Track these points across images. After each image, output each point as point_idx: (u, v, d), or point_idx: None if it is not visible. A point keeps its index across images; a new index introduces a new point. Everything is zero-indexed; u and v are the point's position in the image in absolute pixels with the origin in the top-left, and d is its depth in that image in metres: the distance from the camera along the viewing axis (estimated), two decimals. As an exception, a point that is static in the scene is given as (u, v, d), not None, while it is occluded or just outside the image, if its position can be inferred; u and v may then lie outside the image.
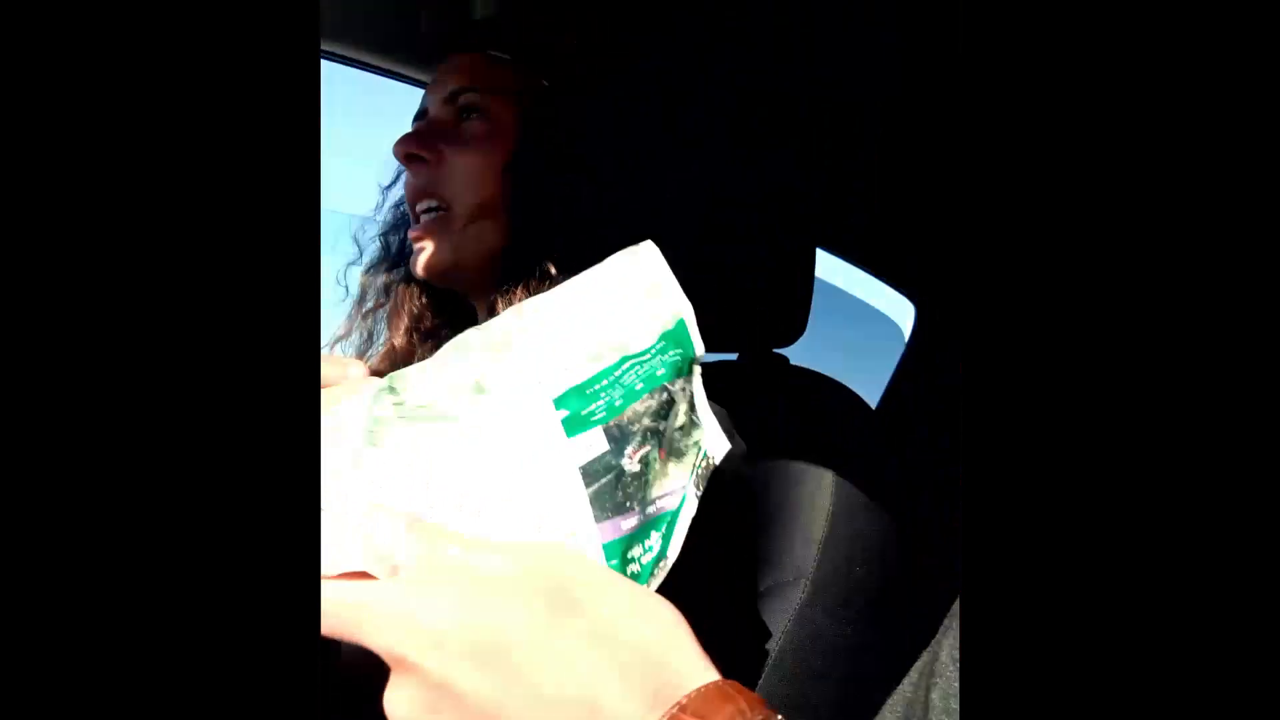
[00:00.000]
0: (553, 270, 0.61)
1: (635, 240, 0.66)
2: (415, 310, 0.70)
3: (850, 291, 1.39)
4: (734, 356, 0.75)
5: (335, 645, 0.43)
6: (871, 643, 0.61)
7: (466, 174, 0.62)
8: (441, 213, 0.63)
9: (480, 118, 0.63)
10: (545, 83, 0.63)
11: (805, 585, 0.59)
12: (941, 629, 0.46)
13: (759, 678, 0.56)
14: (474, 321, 0.66)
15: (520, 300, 0.60)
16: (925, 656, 0.46)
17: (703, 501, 0.50)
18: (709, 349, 0.74)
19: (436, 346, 0.68)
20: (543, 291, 0.59)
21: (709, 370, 0.77)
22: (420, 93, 0.68)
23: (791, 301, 0.71)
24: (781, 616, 0.58)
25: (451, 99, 0.64)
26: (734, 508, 0.59)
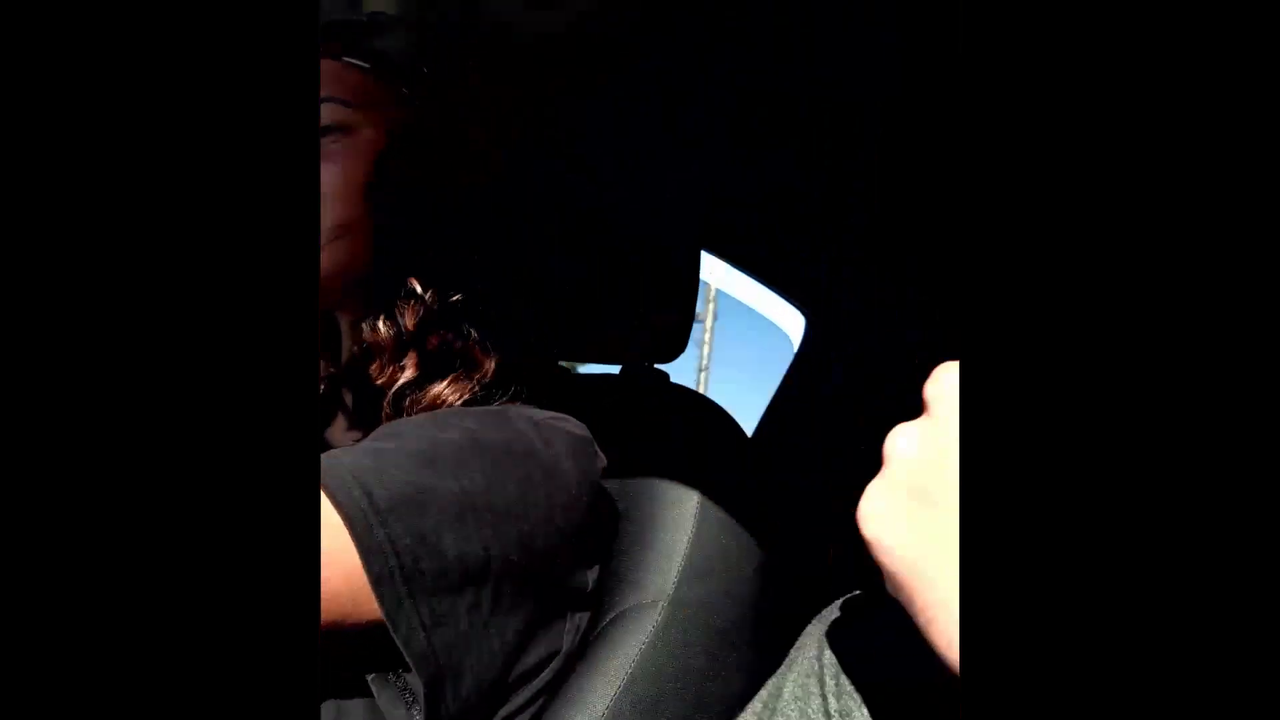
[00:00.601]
0: (418, 289, 0.60)
1: (503, 254, 0.65)
2: None
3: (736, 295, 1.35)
4: (615, 369, 0.74)
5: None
6: (726, 669, 0.60)
7: (325, 193, 0.58)
8: None
9: (340, 133, 0.59)
10: (406, 92, 0.62)
11: (663, 607, 0.59)
12: (785, 662, 0.45)
13: (610, 699, 0.56)
14: (337, 336, 0.66)
15: (382, 320, 0.60)
16: (768, 688, 0.45)
17: (562, 516, 0.49)
18: (587, 359, 0.74)
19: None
20: (408, 310, 0.59)
21: (585, 381, 0.76)
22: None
23: (673, 315, 0.69)
24: (638, 638, 0.58)
25: None
26: (599, 524, 0.58)
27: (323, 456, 0.46)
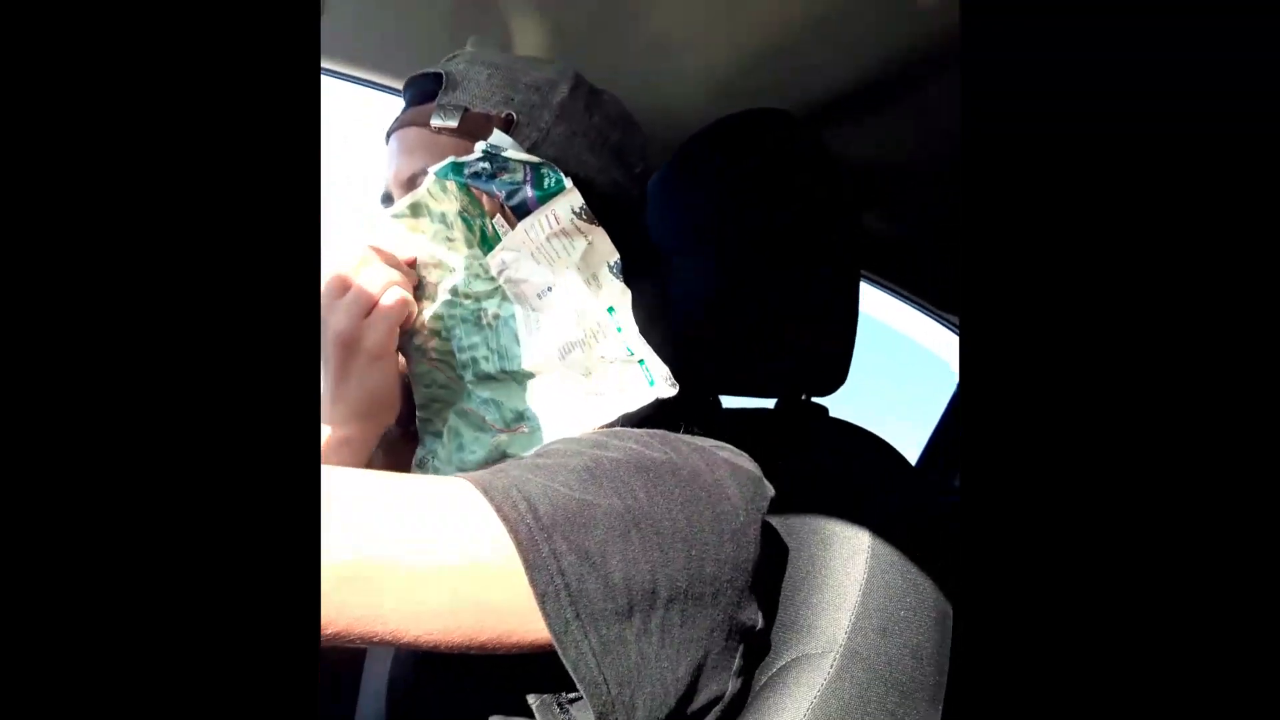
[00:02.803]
0: None
1: (648, 282, 0.63)
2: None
3: (894, 326, 1.27)
4: (770, 403, 0.70)
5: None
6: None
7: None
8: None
9: None
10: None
11: (836, 658, 0.54)
12: None
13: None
14: None
15: None
16: None
17: (731, 543, 0.47)
18: (740, 393, 0.70)
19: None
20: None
21: (739, 416, 0.73)
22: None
23: (831, 344, 0.65)
24: (809, 690, 0.54)
25: (411, 182, 0.60)
26: (766, 558, 0.55)
27: (484, 472, 0.45)
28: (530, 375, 0.56)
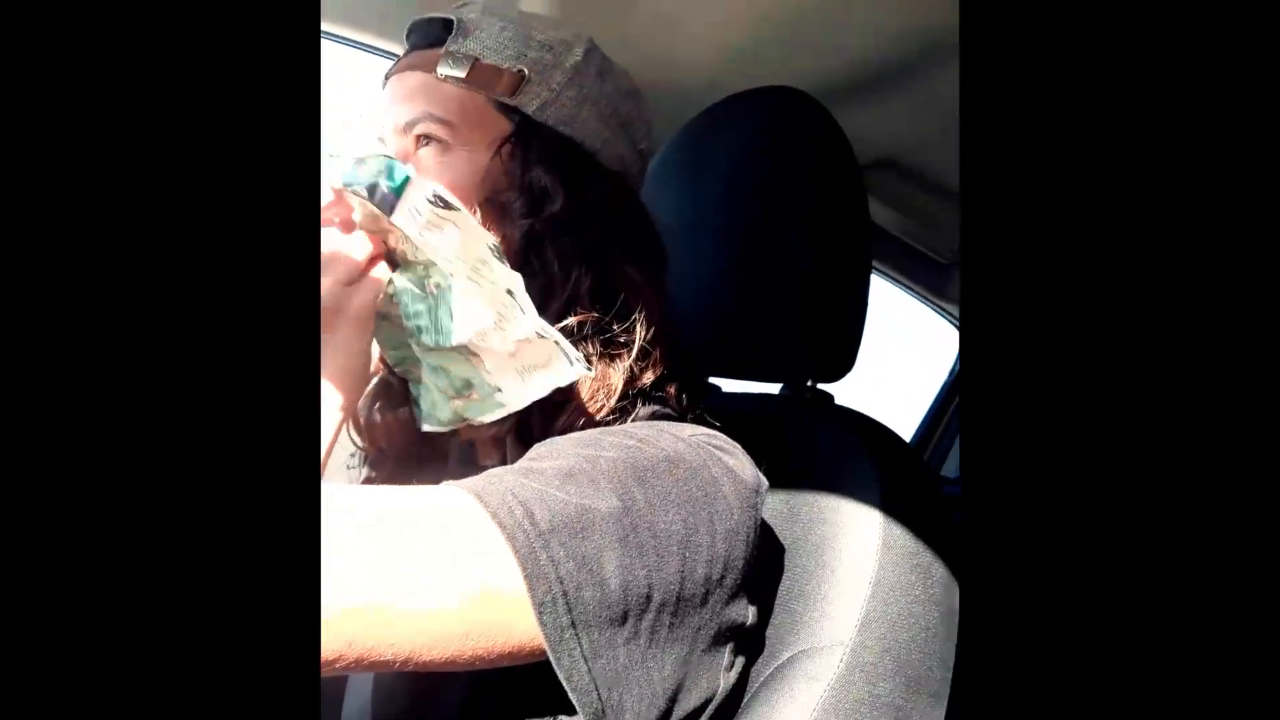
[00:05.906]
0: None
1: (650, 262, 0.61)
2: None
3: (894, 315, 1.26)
4: (776, 388, 0.69)
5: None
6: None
7: None
8: None
9: (441, 155, 0.56)
10: (508, 100, 0.56)
11: (845, 654, 0.53)
12: None
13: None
14: None
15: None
16: None
17: (724, 543, 0.46)
18: (744, 377, 0.69)
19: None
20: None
21: (741, 400, 0.71)
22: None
23: (840, 331, 0.63)
24: (817, 685, 0.53)
25: (408, 128, 0.57)
26: (760, 554, 0.53)
27: (481, 476, 0.44)
28: (466, 349, 0.52)
